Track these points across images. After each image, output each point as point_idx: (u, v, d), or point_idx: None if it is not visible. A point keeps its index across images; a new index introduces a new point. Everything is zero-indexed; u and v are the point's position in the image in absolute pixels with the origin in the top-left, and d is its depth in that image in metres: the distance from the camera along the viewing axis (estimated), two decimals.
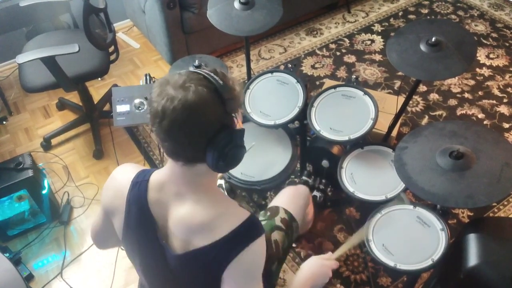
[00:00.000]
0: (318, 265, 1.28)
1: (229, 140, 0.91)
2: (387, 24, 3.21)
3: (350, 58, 2.93)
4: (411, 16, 3.28)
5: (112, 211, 1.09)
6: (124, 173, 1.08)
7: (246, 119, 1.86)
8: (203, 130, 0.89)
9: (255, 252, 0.99)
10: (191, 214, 0.97)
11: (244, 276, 0.99)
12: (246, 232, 0.97)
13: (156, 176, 1.03)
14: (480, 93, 2.67)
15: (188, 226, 0.98)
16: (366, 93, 1.76)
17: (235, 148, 0.93)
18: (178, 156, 0.94)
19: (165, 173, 1.01)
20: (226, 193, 2.09)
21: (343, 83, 1.82)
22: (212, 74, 0.91)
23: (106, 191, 1.11)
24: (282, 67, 2.86)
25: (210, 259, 0.97)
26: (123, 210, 1.04)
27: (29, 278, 1.92)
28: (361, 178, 1.69)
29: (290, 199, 1.56)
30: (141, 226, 1.03)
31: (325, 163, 1.89)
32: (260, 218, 1.48)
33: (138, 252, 1.09)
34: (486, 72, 2.80)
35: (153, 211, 1.01)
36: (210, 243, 0.95)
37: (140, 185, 1.02)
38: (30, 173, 1.93)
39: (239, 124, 0.97)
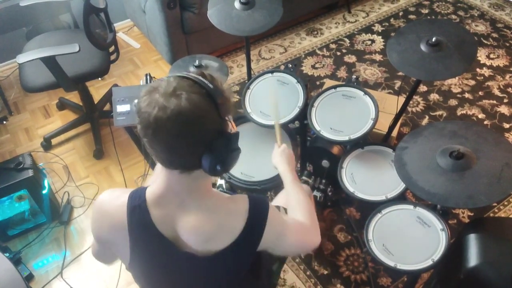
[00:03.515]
0: (284, 155, 1.41)
1: (226, 145, 0.90)
2: (387, 24, 3.21)
3: (351, 58, 2.93)
4: (412, 16, 3.28)
5: (113, 242, 1.04)
6: (113, 200, 1.01)
7: (246, 119, 1.86)
8: (200, 138, 0.87)
9: (273, 222, 1.01)
10: (200, 223, 0.96)
11: (275, 239, 1.04)
12: (258, 216, 0.99)
13: (152, 192, 0.98)
14: (480, 93, 2.67)
15: (201, 235, 0.97)
16: (366, 93, 1.76)
17: (231, 152, 0.92)
18: (174, 165, 0.91)
19: (161, 185, 0.97)
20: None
21: (344, 83, 1.82)
22: (201, 78, 0.87)
23: (98, 223, 1.04)
24: (282, 67, 2.85)
25: (237, 255, 0.98)
26: (126, 239, 0.99)
27: (29, 278, 1.92)
28: (361, 178, 1.69)
29: None
30: (152, 249, 1.00)
31: (325, 163, 1.89)
32: None
33: (152, 273, 1.06)
34: (486, 72, 2.80)
35: (161, 229, 0.98)
36: (232, 242, 0.96)
37: (139, 208, 0.97)
38: (30, 173, 1.93)
39: (233, 127, 0.96)
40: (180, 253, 0.99)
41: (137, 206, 0.97)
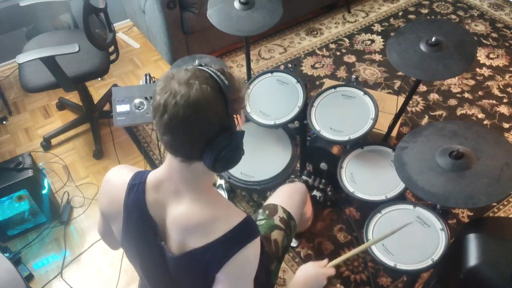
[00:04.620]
0: (313, 272, 1.28)
1: (228, 141, 0.90)
2: (387, 24, 3.21)
3: (350, 58, 2.93)
4: (411, 16, 3.28)
5: (110, 216, 1.08)
6: (119, 176, 1.06)
7: (246, 119, 1.86)
8: (203, 129, 0.88)
9: (250, 254, 0.98)
10: (188, 214, 0.97)
11: (237, 277, 1.00)
12: (241, 234, 0.97)
13: (153, 176, 1.01)
14: (480, 93, 2.67)
15: (184, 226, 0.97)
16: (366, 93, 1.76)
17: (233, 150, 0.92)
18: (176, 152, 0.93)
19: (163, 171, 1.00)
20: (226, 193, 2.09)
21: (343, 83, 1.82)
22: (219, 73, 0.90)
23: (102, 196, 1.09)
24: (282, 67, 2.86)
25: (205, 260, 0.96)
26: (121, 215, 1.03)
27: (29, 278, 1.92)
28: (361, 178, 1.69)
29: (288, 197, 1.56)
30: (141, 229, 1.02)
31: (323, 165, 1.89)
32: (259, 217, 1.48)
33: (138, 255, 1.09)
34: (486, 72, 2.80)
35: (152, 212, 1.00)
36: (205, 244, 0.95)
37: (137, 187, 1.00)
38: (30, 173, 1.93)
39: (239, 126, 0.96)
40: (157, 245, 1.01)
41: (136, 185, 1.01)
